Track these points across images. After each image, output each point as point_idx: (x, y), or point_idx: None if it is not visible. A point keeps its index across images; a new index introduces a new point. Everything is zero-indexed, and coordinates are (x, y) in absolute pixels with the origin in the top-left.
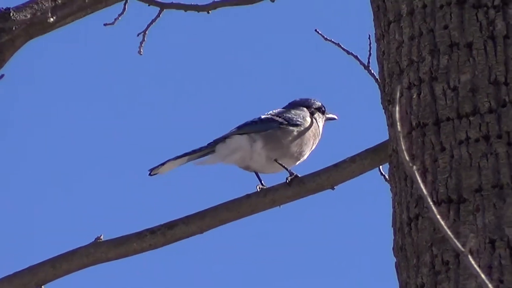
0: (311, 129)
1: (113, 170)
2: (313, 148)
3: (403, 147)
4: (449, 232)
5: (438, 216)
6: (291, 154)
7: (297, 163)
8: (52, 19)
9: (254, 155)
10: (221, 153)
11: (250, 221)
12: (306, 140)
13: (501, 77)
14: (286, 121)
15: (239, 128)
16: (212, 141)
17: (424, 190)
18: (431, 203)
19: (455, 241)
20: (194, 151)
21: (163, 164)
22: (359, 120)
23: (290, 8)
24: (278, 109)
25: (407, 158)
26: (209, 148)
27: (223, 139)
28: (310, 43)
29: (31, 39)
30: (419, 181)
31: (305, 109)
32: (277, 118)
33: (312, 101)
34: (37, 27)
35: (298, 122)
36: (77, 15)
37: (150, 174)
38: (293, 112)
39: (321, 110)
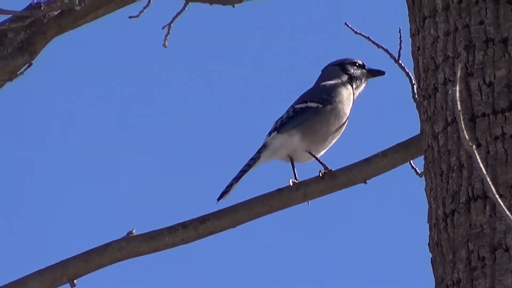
0: (345, 102)
1: (145, 164)
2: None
3: (462, 126)
4: (507, 212)
5: (497, 196)
6: (328, 140)
7: (334, 142)
8: (79, 7)
9: (294, 150)
10: (265, 157)
11: (282, 215)
12: (341, 118)
13: None
14: (322, 103)
15: (278, 130)
16: (256, 151)
17: (483, 169)
18: (490, 183)
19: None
20: (249, 167)
21: (228, 190)
22: (388, 114)
23: (318, 2)
24: (313, 88)
25: (466, 137)
26: (257, 158)
27: (264, 146)
28: (340, 37)
29: (62, 31)
30: (478, 159)
31: (340, 77)
32: (312, 104)
33: (348, 59)
34: (68, 18)
35: (333, 99)
36: (107, 8)
37: (218, 201)
38: (327, 86)
39: (360, 65)
